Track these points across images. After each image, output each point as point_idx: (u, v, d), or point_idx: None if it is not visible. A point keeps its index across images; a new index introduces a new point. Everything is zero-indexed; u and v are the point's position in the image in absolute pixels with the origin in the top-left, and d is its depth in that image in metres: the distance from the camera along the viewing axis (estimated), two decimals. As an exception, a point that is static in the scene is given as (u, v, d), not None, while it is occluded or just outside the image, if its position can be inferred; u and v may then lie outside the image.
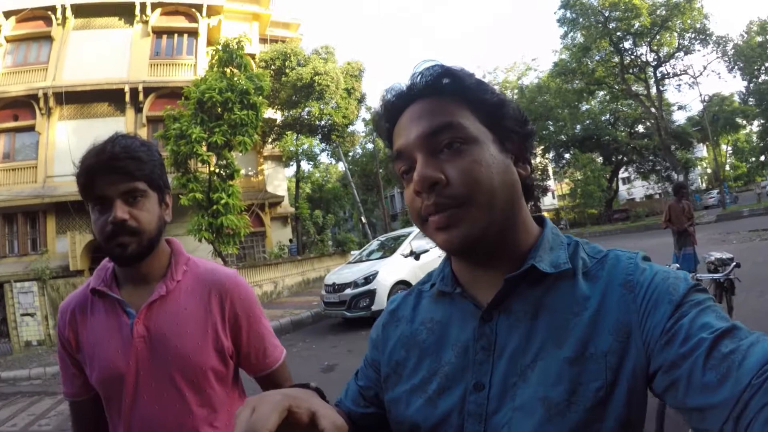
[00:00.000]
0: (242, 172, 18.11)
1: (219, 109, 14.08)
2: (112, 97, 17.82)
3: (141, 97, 17.78)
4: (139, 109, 18.02)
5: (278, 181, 23.57)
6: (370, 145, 30.13)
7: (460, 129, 0.78)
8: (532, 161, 0.89)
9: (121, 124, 17.59)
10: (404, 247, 10.38)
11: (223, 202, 14.02)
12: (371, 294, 9.46)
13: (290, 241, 22.98)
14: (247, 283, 1.42)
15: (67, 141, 16.38)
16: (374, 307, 9.29)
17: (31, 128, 17.49)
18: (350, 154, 29.98)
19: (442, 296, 0.90)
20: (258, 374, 1.43)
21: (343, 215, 34.06)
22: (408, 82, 0.85)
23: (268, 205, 20.40)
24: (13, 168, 17.62)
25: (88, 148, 1.24)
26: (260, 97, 15.06)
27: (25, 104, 17.52)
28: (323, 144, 23.45)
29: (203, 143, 14.02)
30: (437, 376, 0.84)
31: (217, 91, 13.76)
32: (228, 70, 15.01)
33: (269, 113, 20.22)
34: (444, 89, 0.81)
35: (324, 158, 26.41)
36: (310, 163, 25.28)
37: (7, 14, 18.05)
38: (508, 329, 0.78)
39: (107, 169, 1.18)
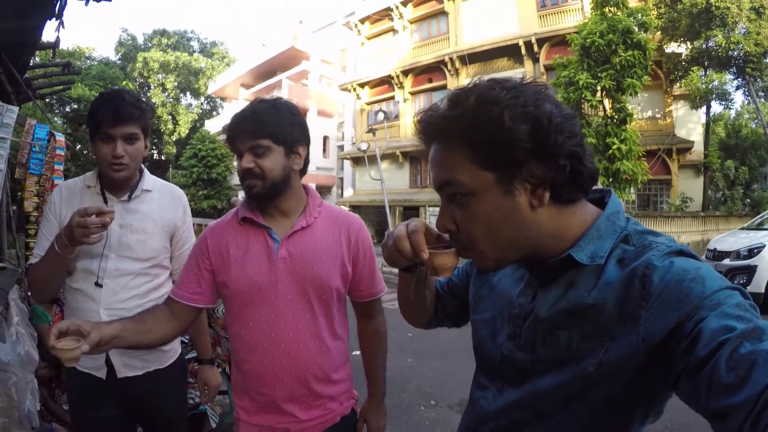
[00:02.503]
0: (648, 114, 17.67)
1: (604, 53, 13.36)
2: (509, 52, 19.29)
3: (535, 48, 18.51)
4: (536, 60, 18.80)
5: (692, 124, 20.26)
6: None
7: (458, 185, 0.83)
8: (566, 164, 0.82)
9: (521, 74, 18.16)
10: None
11: (615, 147, 13.30)
12: (750, 270, 7.86)
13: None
14: (365, 227, 1.75)
15: None
16: (750, 288, 7.58)
17: (443, 87, 21.24)
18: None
19: None
20: (361, 300, 1.74)
21: (763, 169, 27.69)
22: (423, 124, 0.90)
23: (676, 151, 17.94)
24: (433, 122, 22.12)
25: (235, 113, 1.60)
26: (646, 34, 13.67)
27: (435, 69, 21.59)
28: (738, 80, 19.09)
29: (593, 89, 13.53)
30: (498, 318, 1.00)
31: (598, 34, 13.09)
32: (608, 10, 14.06)
33: (672, 47, 17.87)
34: (448, 135, 0.85)
35: (740, 97, 22.01)
36: (722, 103, 20.81)
37: (405, 2, 22.65)
38: (544, 295, 0.89)
39: (238, 131, 1.52)
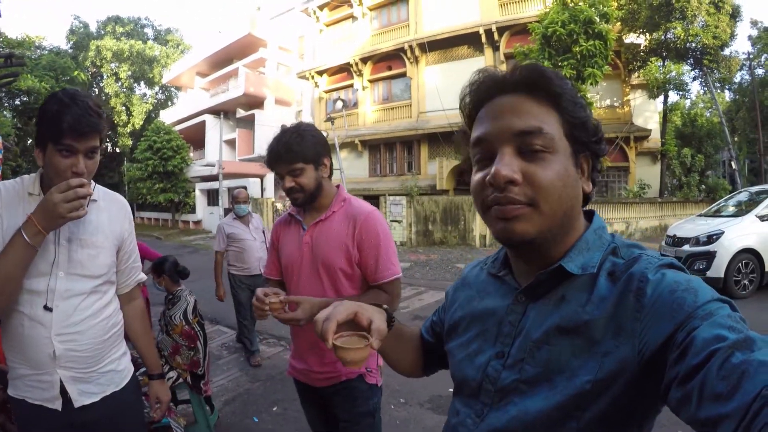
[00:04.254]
0: (606, 102, 18.53)
1: (565, 42, 13.76)
2: (469, 40, 19.49)
3: (496, 36, 18.68)
4: (496, 48, 19.04)
5: (649, 113, 21.12)
6: (760, 71, 24.08)
7: (548, 138, 0.82)
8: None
9: (481, 63, 18.79)
10: (762, 208, 8.39)
11: None
12: (709, 256, 8.07)
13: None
14: (378, 217, 2.06)
15: (434, 82, 19.80)
16: (710, 273, 7.88)
17: (402, 75, 21.51)
18: (736, 80, 24.86)
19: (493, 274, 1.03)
20: (371, 283, 2.04)
21: (718, 156, 28.63)
22: (506, 71, 0.89)
23: (634, 138, 18.69)
24: (392, 107, 22.36)
25: (269, 144, 2.05)
26: (607, 24, 14.16)
27: (395, 57, 21.78)
28: (695, 71, 19.68)
29: None
30: (478, 338, 0.98)
31: (560, 24, 13.51)
32: (569, 0, 14.57)
33: (631, 38, 18.69)
34: (539, 90, 0.85)
35: (697, 87, 22.99)
36: (679, 93, 21.62)
37: None
38: (534, 312, 0.88)
39: (276, 159, 2.01)
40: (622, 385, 0.74)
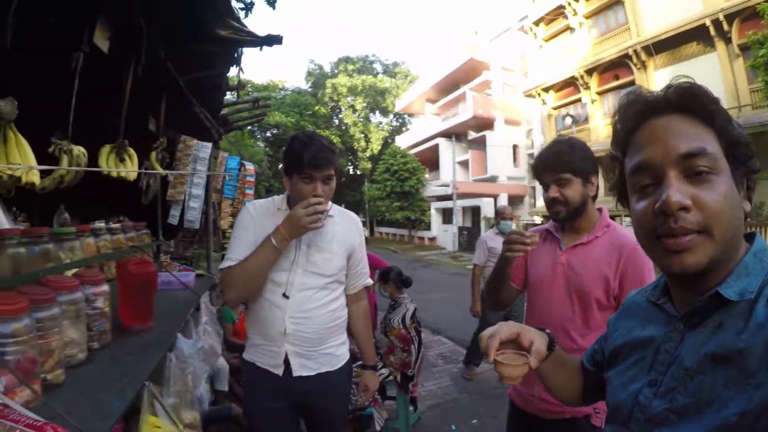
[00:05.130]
0: None
1: None
2: (696, 35, 17.20)
3: (725, 26, 16.22)
4: (728, 40, 16.43)
5: None
6: None
7: (712, 158, 0.79)
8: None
9: (714, 59, 16.76)
10: None
11: None
12: None
13: None
14: (641, 253, 1.59)
15: None
16: None
17: (632, 83, 19.21)
18: None
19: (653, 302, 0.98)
20: None
21: None
22: (657, 92, 0.86)
23: None
24: (623, 121, 20.49)
25: (538, 153, 2.04)
26: None
27: (620, 64, 20.14)
28: None
29: None
30: (635, 366, 0.95)
31: None
32: None
33: None
34: (694, 110, 0.82)
35: None
36: None
37: None
38: (691, 340, 0.83)
39: (544, 167, 1.94)
40: None
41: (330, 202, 2.11)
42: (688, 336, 0.84)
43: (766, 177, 15.63)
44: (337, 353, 2.17)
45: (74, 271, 2.11)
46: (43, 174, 2.17)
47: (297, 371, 2.05)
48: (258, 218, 2.09)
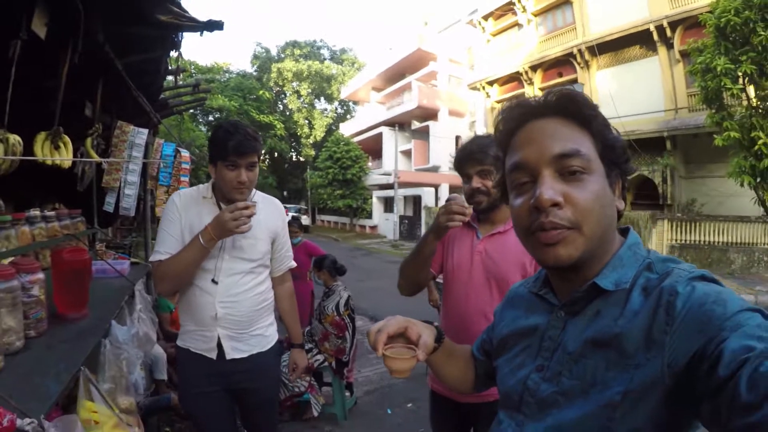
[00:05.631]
0: None
1: (742, 33, 11.68)
2: (640, 39, 17.92)
3: (668, 32, 17.05)
4: (670, 45, 17.29)
5: None
6: None
7: (586, 159, 0.84)
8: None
9: (655, 63, 17.59)
10: None
11: (761, 142, 11.63)
12: None
13: None
14: None
15: (607, 87, 18.53)
16: None
17: (574, 81, 19.94)
18: None
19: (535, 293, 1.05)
20: None
21: None
22: (540, 97, 0.91)
23: None
24: (565, 116, 21.30)
25: (460, 146, 2.06)
26: None
27: (565, 62, 20.81)
28: None
29: (734, 75, 11.81)
30: (522, 354, 1.00)
31: (733, 12, 11.44)
32: None
33: None
34: (572, 114, 0.87)
35: None
36: None
37: None
38: (572, 327, 0.89)
39: (467, 158, 2.00)
40: (654, 398, 0.73)
41: (254, 189, 2.24)
42: (569, 323, 0.91)
43: (698, 175, 16.54)
44: (266, 334, 2.28)
45: (10, 259, 2.20)
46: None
47: (230, 354, 2.14)
48: (183, 208, 2.15)
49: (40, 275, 2.00)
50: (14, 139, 2.49)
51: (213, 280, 2.10)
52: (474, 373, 1.29)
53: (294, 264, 2.51)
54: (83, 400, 1.73)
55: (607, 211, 0.86)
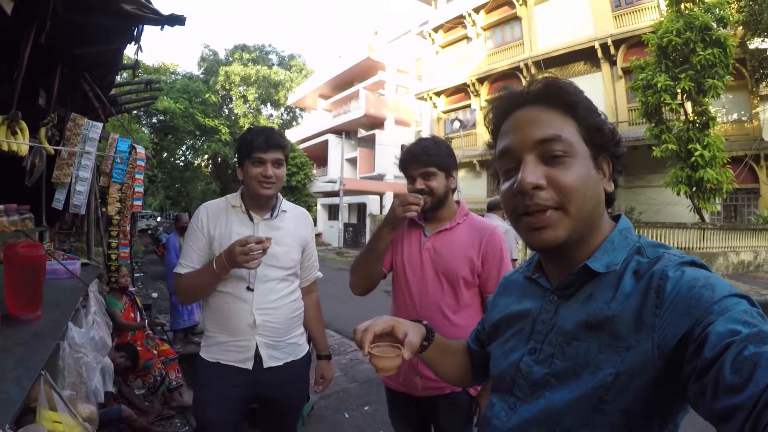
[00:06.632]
0: (733, 117, 16.32)
1: (682, 52, 12.62)
2: (585, 56, 18.74)
3: (612, 50, 17.86)
4: (613, 63, 18.17)
5: None
6: None
7: (566, 143, 0.87)
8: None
9: (598, 79, 18.29)
10: None
11: (698, 153, 12.46)
12: None
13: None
14: (501, 234, 2.10)
15: None
16: None
17: None
18: None
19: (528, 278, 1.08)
20: (486, 294, 2.05)
21: None
22: (523, 86, 0.95)
23: (765, 157, 15.71)
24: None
25: (405, 148, 2.11)
26: (726, 30, 12.78)
27: (511, 76, 21.28)
28: None
29: (673, 91, 12.79)
30: (514, 337, 1.03)
31: (675, 33, 12.37)
32: (684, 6, 13.24)
33: (756, 43, 15.27)
34: (556, 100, 0.91)
35: None
36: None
37: (477, 9, 23.01)
38: (564, 310, 0.92)
39: (411, 160, 2.06)
40: (644, 380, 0.75)
41: (283, 199, 2.30)
42: (562, 307, 0.93)
43: (638, 185, 16.91)
44: (299, 342, 2.29)
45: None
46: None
47: (267, 362, 2.11)
48: (211, 220, 2.15)
49: (-11, 273, 1.85)
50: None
51: (248, 288, 2.09)
52: (471, 365, 1.30)
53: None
54: (44, 410, 1.59)
55: (591, 191, 0.88)
